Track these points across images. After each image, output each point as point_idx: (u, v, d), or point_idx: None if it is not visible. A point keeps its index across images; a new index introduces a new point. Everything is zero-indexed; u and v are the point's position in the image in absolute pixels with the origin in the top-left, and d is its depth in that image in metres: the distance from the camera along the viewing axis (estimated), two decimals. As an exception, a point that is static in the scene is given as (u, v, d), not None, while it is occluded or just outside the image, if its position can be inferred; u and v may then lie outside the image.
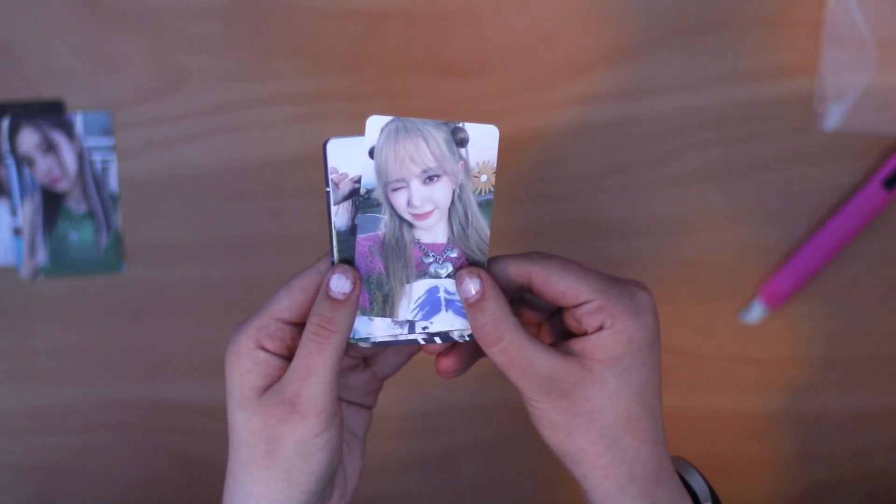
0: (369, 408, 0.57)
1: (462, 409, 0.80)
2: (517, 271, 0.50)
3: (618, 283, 0.50)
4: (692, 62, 0.76)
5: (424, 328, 0.52)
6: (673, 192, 0.77)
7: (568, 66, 0.76)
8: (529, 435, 0.76)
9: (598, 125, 0.77)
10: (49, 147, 0.76)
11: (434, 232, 0.51)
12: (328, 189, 0.50)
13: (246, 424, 0.49)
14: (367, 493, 0.80)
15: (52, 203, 0.77)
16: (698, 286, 0.78)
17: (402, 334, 0.52)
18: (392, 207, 0.50)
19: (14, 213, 0.77)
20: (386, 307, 0.51)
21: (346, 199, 0.50)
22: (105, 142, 0.76)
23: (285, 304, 0.50)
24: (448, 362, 0.53)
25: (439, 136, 0.50)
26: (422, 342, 0.52)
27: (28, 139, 0.76)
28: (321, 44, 0.76)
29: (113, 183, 0.77)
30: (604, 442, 0.49)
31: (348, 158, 0.50)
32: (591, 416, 0.49)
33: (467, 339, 0.52)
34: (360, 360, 0.56)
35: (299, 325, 0.50)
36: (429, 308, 0.51)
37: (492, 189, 0.51)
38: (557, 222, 0.78)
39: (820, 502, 0.81)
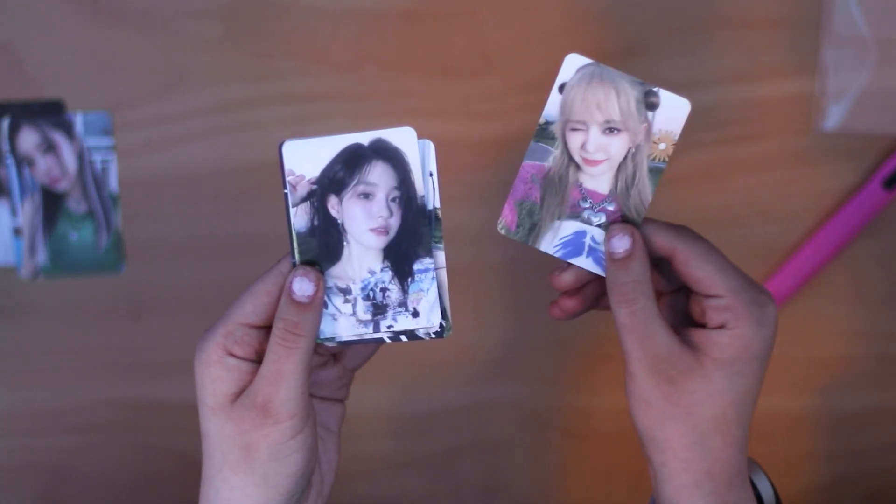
0: (341, 401, 0.57)
1: (462, 409, 0.80)
2: (663, 242, 0.51)
3: (752, 288, 0.50)
4: (692, 62, 0.76)
5: (389, 326, 0.51)
6: (673, 192, 0.77)
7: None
8: (529, 435, 0.76)
9: (598, 125, 0.76)
10: (49, 147, 0.76)
11: (599, 181, 0.51)
12: (286, 191, 0.50)
13: (219, 431, 0.50)
14: (367, 494, 0.80)
15: (52, 203, 0.77)
16: (698, 286, 0.78)
17: (367, 333, 0.51)
18: (566, 145, 0.51)
19: (14, 213, 0.77)
20: (531, 235, 0.52)
21: (303, 200, 0.50)
22: (105, 142, 0.76)
23: (250, 309, 0.50)
24: (571, 303, 0.54)
25: (632, 92, 0.51)
26: (387, 340, 0.52)
27: (28, 139, 0.76)
28: (321, 44, 0.76)
29: (113, 183, 0.77)
30: (693, 437, 0.49)
31: (304, 160, 0.50)
32: (690, 409, 0.49)
33: (433, 336, 0.52)
34: (328, 356, 0.56)
35: (266, 328, 0.50)
36: (571, 249, 0.52)
37: (667, 158, 0.51)
38: (557, 222, 0.77)
39: (820, 502, 0.81)
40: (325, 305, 0.51)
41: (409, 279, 0.51)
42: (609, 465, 0.80)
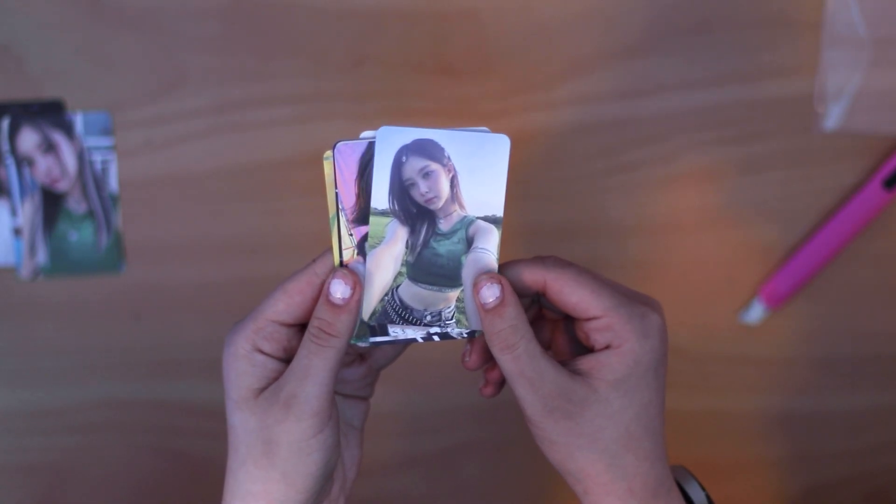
0: (366, 399, 0.57)
1: (462, 409, 0.80)
2: (532, 277, 0.51)
3: (630, 301, 0.50)
4: (692, 62, 0.76)
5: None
6: (673, 192, 0.77)
7: (568, 66, 0.76)
8: (530, 435, 0.76)
9: (598, 125, 0.77)
10: (49, 147, 0.76)
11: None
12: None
13: (243, 425, 0.50)
14: (368, 493, 0.80)
15: (52, 203, 0.77)
16: (698, 286, 0.78)
17: (402, 335, 0.52)
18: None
19: (14, 213, 0.77)
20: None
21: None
22: (105, 142, 0.76)
23: (282, 307, 0.50)
24: (496, 374, 0.54)
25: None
26: (420, 340, 0.52)
27: (28, 139, 0.76)
28: (321, 44, 0.76)
29: (113, 183, 0.77)
30: (605, 460, 0.50)
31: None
32: (594, 435, 0.49)
33: (465, 336, 0.52)
34: (355, 355, 0.56)
35: (296, 327, 0.51)
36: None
37: None
38: (557, 222, 0.78)
39: (820, 502, 0.81)
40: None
41: None
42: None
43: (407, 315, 0.51)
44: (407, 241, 0.51)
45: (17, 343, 0.78)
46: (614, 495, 0.50)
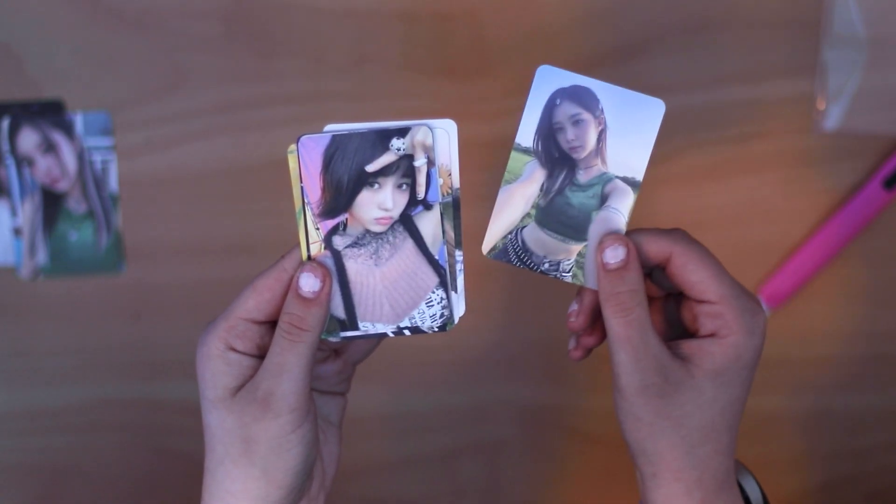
0: (343, 394, 0.57)
1: (462, 409, 0.80)
2: (658, 249, 0.50)
3: (743, 295, 0.50)
4: (692, 62, 0.76)
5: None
6: (673, 192, 0.77)
7: (568, 66, 0.76)
8: (529, 435, 0.76)
9: (598, 125, 0.77)
10: (49, 147, 0.77)
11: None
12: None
13: (221, 424, 0.50)
14: (367, 494, 0.80)
15: (52, 203, 0.77)
16: (698, 286, 0.78)
17: (372, 329, 0.52)
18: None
19: (14, 213, 0.77)
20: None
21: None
22: (105, 142, 0.76)
23: (252, 305, 0.50)
24: (590, 340, 0.55)
25: None
26: (391, 335, 0.52)
27: (28, 139, 0.76)
28: (321, 44, 0.76)
29: (113, 183, 0.77)
30: (684, 447, 0.49)
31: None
32: (680, 420, 0.49)
33: (436, 330, 0.52)
34: (329, 351, 0.56)
35: (268, 324, 0.51)
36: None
37: (450, 190, 0.51)
38: (557, 222, 0.77)
39: (820, 502, 0.81)
40: None
41: None
42: (609, 464, 0.80)
43: (525, 258, 0.51)
44: (542, 185, 0.51)
45: (17, 343, 0.78)
46: (683, 482, 0.50)
